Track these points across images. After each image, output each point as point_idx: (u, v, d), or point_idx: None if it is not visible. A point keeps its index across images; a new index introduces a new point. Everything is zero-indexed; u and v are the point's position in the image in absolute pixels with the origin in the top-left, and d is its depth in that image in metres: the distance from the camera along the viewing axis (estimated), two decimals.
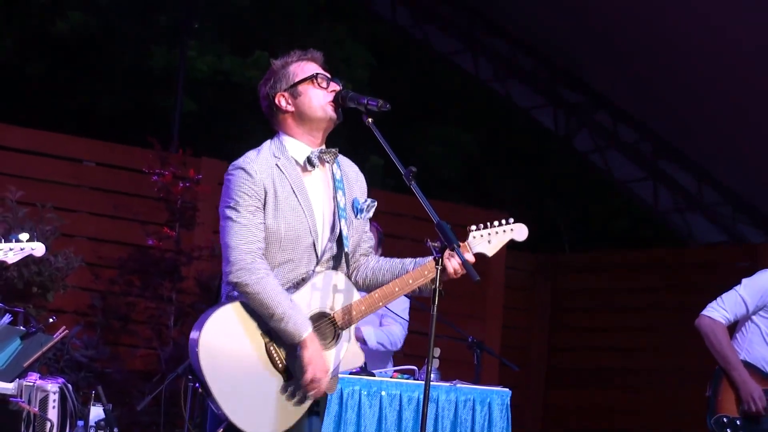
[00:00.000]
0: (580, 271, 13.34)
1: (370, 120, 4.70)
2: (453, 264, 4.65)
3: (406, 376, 7.01)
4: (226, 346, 4.55)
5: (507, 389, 7.15)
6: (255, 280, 4.55)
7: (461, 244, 4.74)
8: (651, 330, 12.60)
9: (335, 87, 4.76)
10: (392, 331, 7.72)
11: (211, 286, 9.70)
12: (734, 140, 12.99)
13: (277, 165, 4.68)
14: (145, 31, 15.17)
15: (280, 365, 4.59)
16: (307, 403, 4.64)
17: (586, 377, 12.96)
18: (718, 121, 12.82)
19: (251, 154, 4.72)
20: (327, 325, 4.68)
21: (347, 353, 4.71)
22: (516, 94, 14.56)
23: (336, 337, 4.69)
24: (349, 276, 4.78)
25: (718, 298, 7.01)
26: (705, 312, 7.00)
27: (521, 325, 13.21)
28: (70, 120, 14.81)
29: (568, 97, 14.24)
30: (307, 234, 4.67)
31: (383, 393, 6.77)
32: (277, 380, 4.59)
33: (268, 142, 4.78)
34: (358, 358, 4.78)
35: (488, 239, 4.85)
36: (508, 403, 7.09)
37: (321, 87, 4.74)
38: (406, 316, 7.78)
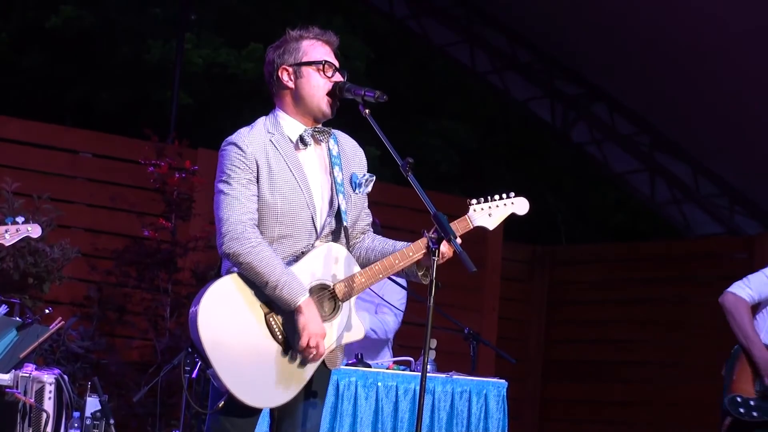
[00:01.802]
0: (577, 262, 13.34)
1: (367, 111, 4.70)
2: (443, 248, 4.59)
3: (402, 367, 7.00)
4: (225, 318, 4.54)
5: (503, 380, 7.15)
6: (247, 250, 4.54)
7: (462, 218, 4.77)
8: (648, 322, 12.60)
9: (338, 78, 4.75)
10: (386, 320, 7.71)
11: (207, 277, 9.69)
12: (730, 132, 12.99)
13: (271, 140, 4.69)
14: (141, 24, 15.17)
15: (280, 336, 4.57)
16: (308, 374, 4.62)
17: (583, 369, 12.97)
18: (715, 113, 12.82)
19: (243, 130, 4.72)
20: (327, 297, 4.67)
21: (348, 325, 4.70)
22: (513, 86, 14.55)
23: (336, 308, 4.68)
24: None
25: (744, 278, 6.96)
26: (730, 289, 6.94)
27: (518, 317, 13.21)
28: (67, 112, 14.82)
29: (565, 90, 14.24)
30: (304, 207, 4.66)
31: (379, 384, 6.76)
32: (277, 352, 4.57)
33: (263, 118, 4.78)
34: (358, 331, 4.75)
35: (489, 212, 4.85)
36: (505, 394, 7.08)
37: (325, 76, 4.73)
38: (402, 308, 7.77)
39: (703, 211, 14.07)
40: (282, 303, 4.55)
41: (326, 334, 4.61)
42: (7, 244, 5.85)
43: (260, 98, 15.10)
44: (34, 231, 5.88)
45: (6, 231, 5.81)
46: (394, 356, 7.57)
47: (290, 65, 4.74)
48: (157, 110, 14.56)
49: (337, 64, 4.78)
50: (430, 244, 4.55)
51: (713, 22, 11.54)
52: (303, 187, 4.67)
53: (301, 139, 4.73)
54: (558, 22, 13.17)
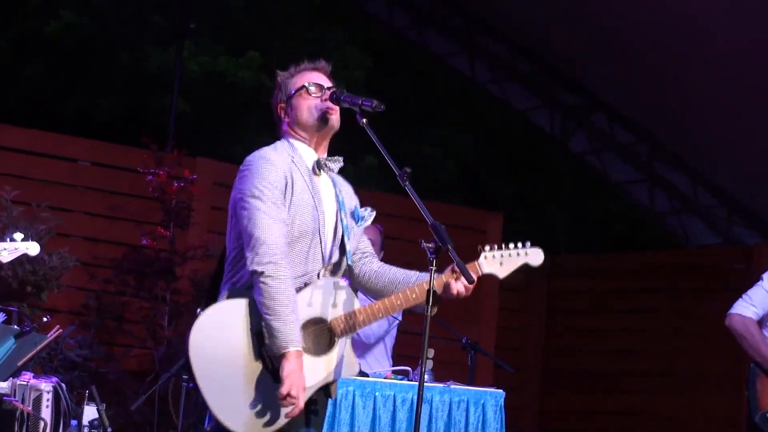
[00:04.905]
0: (575, 272, 13.32)
1: (364, 120, 4.70)
2: (458, 286, 4.67)
3: (400, 377, 7.00)
4: (218, 343, 4.53)
5: (501, 390, 7.14)
6: (278, 278, 4.49)
7: (471, 263, 4.74)
8: (647, 332, 12.58)
9: (328, 96, 4.77)
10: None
11: (206, 286, 9.69)
12: (729, 142, 12.99)
13: (293, 161, 4.71)
14: (140, 32, 15.18)
15: (270, 366, 4.55)
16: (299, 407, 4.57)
17: (581, 380, 12.95)
18: (714, 123, 12.84)
19: (268, 148, 4.75)
20: (323, 332, 4.66)
21: (342, 361, 4.68)
22: (513, 96, 14.57)
23: (332, 343, 4.67)
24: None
25: (744, 295, 6.91)
26: (733, 310, 6.88)
27: (516, 327, 13.19)
28: (66, 120, 14.82)
29: (564, 99, 14.25)
30: (315, 231, 4.67)
31: (377, 394, 6.76)
32: (267, 381, 4.55)
33: (280, 141, 4.82)
34: (352, 368, 4.73)
35: (500, 261, 4.83)
36: (502, 404, 7.08)
37: (312, 97, 4.76)
38: (399, 316, 7.75)
39: (702, 221, 14.07)
40: (275, 340, 4.50)
41: (305, 387, 4.54)
42: (4, 261, 5.87)
43: (258, 106, 15.14)
44: (32, 249, 5.90)
45: (4, 249, 5.83)
46: (392, 366, 7.56)
47: (283, 102, 4.83)
48: (156, 118, 14.56)
49: (326, 84, 4.80)
50: (428, 253, 4.55)
51: (714, 33, 11.55)
52: (319, 211, 4.69)
53: (318, 164, 4.76)
54: (558, 32, 13.19)
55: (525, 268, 4.90)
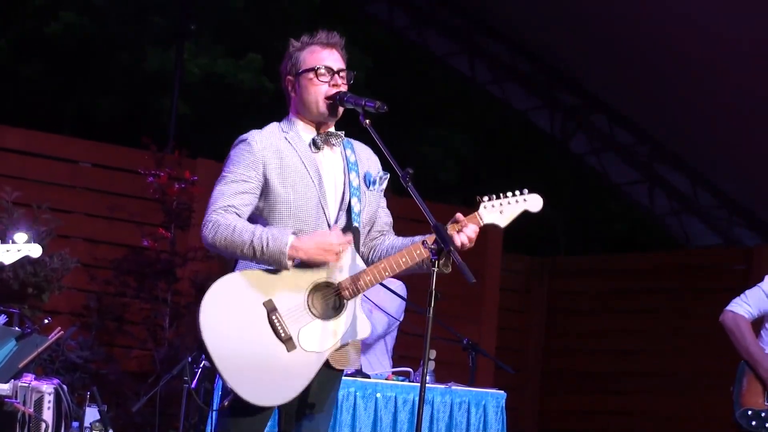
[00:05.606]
0: (576, 273, 13.33)
1: (367, 121, 4.69)
2: (461, 238, 4.61)
3: (401, 378, 7.00)
4: (226, 317, 4.54)
5: (502, 391, 7.14)
6: (218, 229, 4.56)
7: (471, 215, 4.71)
8: (647, 333, 12.59)
9: (338, 81, 4.75)
10: (374, 317, 7.64)
11: (206, 287, 9.67)
12: (729, 143, 13.00)
13: (285, 138, 4.71)
14: (140, 32, 15.19)
15: (283, 335, 4.55)
16: (313, 371, 4.58)
17: (581, 380, 12.96)
18: (714, 124, 12.84)
19: (255, 130, 4.74)
20: (332, 295, 4.64)
21: (353, 324, 4.65)
22: (513, 96, 14.57)
23: (341, 307, 4.64)
24: (365, 254, 4.78)
25: (742, 294, 6.97)
26: (728, 307, 6.96)
27: (517, 328, 13.19)
28: (66, 120, 14.83)
29: (564, 100, 14.25)
30: (316, 202, 4.67)
31: (378, 395, 6.76)
32: (281, 349, 4.55)
33: (276, 122, 4.80)
34: (364, 329, 4.69)
35: (500, 209, 4.75)
36: (503, 405, 7.07)
37: (321, 81, 4.74)
38: (398, 316, 7.74)
39: (702, 222, 14.08)
40: (276, 256, 4.52)
41: (333, 235, 4.59)
42: (6, 263, 5.88)
43: (258, 108, 15.15)
44: (34, 252, 5.91)
45: (6, 251, 5.84)
46: (393, 367, 7.56)
47: (292, 75, 4.78)
48: (156, 119, 14.57)
49: (336, 66, 4.78)
50: (430, 255, 4.54)
51: (713, 35, 11.55)
52: (315, 181, 4.68)
53: (314, 142, 4.74)
54: (558, 33, 13.19)
55: (525, 215, 4.80)
